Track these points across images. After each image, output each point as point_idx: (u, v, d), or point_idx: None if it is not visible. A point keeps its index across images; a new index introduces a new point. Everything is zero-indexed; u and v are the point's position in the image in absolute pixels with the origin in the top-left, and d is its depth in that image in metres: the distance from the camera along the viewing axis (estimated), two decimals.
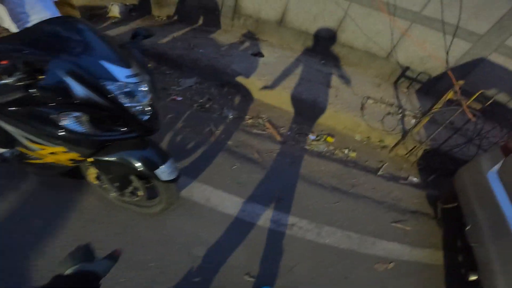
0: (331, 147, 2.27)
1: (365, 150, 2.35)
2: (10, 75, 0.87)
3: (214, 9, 3.56)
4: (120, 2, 4.25)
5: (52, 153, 1.09)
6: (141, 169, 1.16)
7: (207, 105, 2.54)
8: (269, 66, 2.83)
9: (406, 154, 2.23)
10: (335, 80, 2.85)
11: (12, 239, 1.27)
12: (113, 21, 4.16)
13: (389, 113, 2.48)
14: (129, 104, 1.04)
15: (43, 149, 1.08)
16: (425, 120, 2.03)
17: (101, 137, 1.06)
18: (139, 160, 1.16)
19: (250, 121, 2.41)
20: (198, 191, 1.67)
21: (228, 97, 2.69)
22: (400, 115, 2.49)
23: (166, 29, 3.76)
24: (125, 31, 3.80)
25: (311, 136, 2.32)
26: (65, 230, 1.35)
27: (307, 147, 2.23)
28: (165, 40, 3.43)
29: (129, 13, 4.30)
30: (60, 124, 0.97)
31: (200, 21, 3.84)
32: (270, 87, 2.53)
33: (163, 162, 1.19)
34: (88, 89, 0.95)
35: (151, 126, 1.14)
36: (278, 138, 2.24)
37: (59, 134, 0.99)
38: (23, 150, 1.15)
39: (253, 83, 2.61)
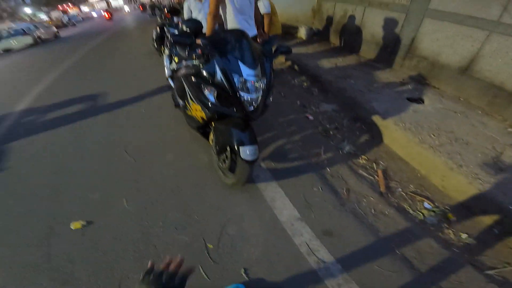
0: (445, 225, 1.70)
1: (493, 244, 1.57)
2: (199, 59, 1.55)
3: (386, 46, 3.48)
4: (308, 26, 5.08)
5: (195, 109, 1.74)
6: (232, 140, 1.57)
7: (331, 132, 2.62)
8: (420, 115, 2.45)
9: None
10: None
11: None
12: (298, 41, 5.07)
13: None
14: (242, 94, 1.47)
15: (193, 106, 1.76)
16: None
17: (219, 108, 1.56)
18: (234, 134, 1.58)
19: (363, 161, 2.25)
20: (271, 190, 1.90)
21: (356, 132, 2.61)
22: None
23: (334, 56, 4.11)
24: (303, 50, 4.53)
25: (427, 205, 1.83)
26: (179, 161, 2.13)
27: (411, 211, 1.80)
28: (327, 65, 3.78)
29: (312, 36, 5.06)
30: (203, 92, 1.56)
31: (369, 55, 3.86)
32: (405, 136, 2.21)
33: (249, 144, 1.54)
34: (223, 76, 1.46)
35: (251, 115, 1.53)
36: (382, 189, 1.96)
37: (201, 97, 1.60)
38: (186, 103, 1.87)
39: (387, 126, 2.39)
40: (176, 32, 3.47)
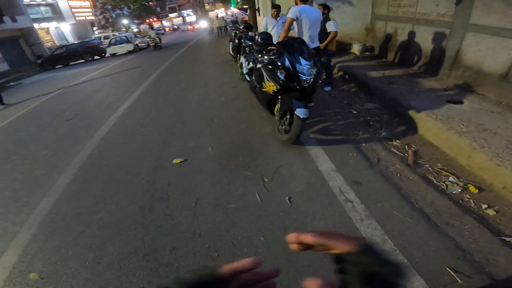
0: (467, 196, 2.01)
1: None
2: (274, 55, 2.41)
3: (433, 58, 3.84)
4: (361, 43, 5.63)
5: (269, 86, 2.56)
6: (292, 106, 2.32)
7: (371, 122, 3.12)
8: (454, 111, 2.79)
9: None
10: None
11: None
12: (352, 56, 5.65)
13: None
14: (301, 75, 2.25)
15: (268, 83, 2.58)
16: None
17: (285, 84, 2.35)
18: (294, 102, 2.33)
19: (396, 143, 2.69)
20: (315, 150, 2.55)
21: (393, 124, 3.04)
22: None
23: (383, 68, 4.59)
24: (355, 64, 5.09)
25: (452, 179, 2.18)
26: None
27: (435, 181, 2.17)
28: (375, 74, 4.28)
29: (365, 52, 5.59)
30: (277, 74, 2.38)
31: (417, 67, 4.24)
32: (436, 125, 2.61)
33: (303, 108, 2.28)
34: (290, 64, 2.26)
35: (306, 91, 2.30)
36: (410, 161, 2.39)
37: (275, 77, 2.41)
38: (263, 83, 2.71)
39: (421, 118, 2.80)
40: (249, 42, 4.54)
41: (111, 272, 1.73)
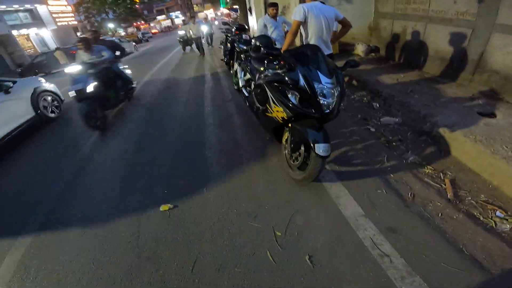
0: None
1: None
2: (281, 68, 1.85)
3: (452, 61, 3.43)
4: (366, 43, 5.19)
5: (276, 111, 2.03)
6: (308, 138, 1.80)
7: (394, 143, 2.68)
8: (492, 128, 2.38)
9: None
10: None
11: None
12: (356, 58, 5.19)
13: None
14: (320, 98, 1.73)
15: (275, 108, 2.05)
16: None
17: (300, 109, 1.83)
18: (310, 133, 1.81)
19: (429, 171, 2.27)
20: (336, 188, 2.09)
21: (421, 145, 2.61)
22: None
23: (394, 72, 4.16)
24: (362, 67, 4.63)
25: (499, 213, 1.78)
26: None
27: (481, 218, 1.77)
28: (388, 80, 3.84)
29: (369, 53, 5.15)
30: (287, 95, 1.85)
31: (433, 71, 3.82)
32: (475, 148, 2.19)
33: (323, 142, 1.76)
34: (305, 82, 1.74)
35: (327, 116, 1.78)
36: (450, 196, 1.97)
37: (284, 100, 1.88)
38: (268, 106, 2.18)
39: (456, 138, 2.38)
40: (244, 47, 3.97)
41: None
